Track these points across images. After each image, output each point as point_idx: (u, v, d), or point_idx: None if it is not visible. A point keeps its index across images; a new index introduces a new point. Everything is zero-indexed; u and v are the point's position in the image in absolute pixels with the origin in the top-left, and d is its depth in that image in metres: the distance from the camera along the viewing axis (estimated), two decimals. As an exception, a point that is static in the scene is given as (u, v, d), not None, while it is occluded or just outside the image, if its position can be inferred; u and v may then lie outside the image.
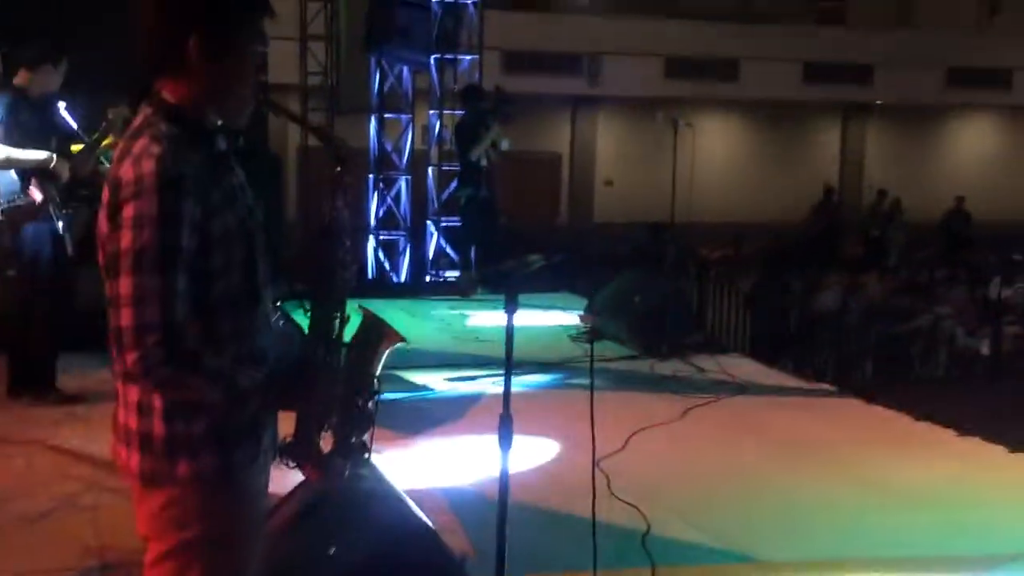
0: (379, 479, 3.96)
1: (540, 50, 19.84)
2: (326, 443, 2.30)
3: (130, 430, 2.15)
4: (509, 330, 2.91)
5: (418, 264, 12.42)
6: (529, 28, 19.69)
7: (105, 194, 2.08)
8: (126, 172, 2.04)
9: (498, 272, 2.70)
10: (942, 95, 22.12)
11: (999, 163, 23.89)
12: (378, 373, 2.35)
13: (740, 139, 22.65)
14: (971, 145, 23.97)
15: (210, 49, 2.12)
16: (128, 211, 2.01)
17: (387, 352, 2.36)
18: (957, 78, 21.90)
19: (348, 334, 2.34)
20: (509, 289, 2.87)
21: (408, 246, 12.42)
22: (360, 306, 2.38)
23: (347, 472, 2.30)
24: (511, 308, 2.90)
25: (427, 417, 6.28)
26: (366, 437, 2.32)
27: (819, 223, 22.39)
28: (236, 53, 2.17)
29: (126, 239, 2.01)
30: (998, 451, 5.85)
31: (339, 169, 2.30)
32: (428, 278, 12.19)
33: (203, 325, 2.09)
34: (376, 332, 2.37)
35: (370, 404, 2.33)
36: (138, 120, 2.15)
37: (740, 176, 22.19)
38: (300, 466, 2.27)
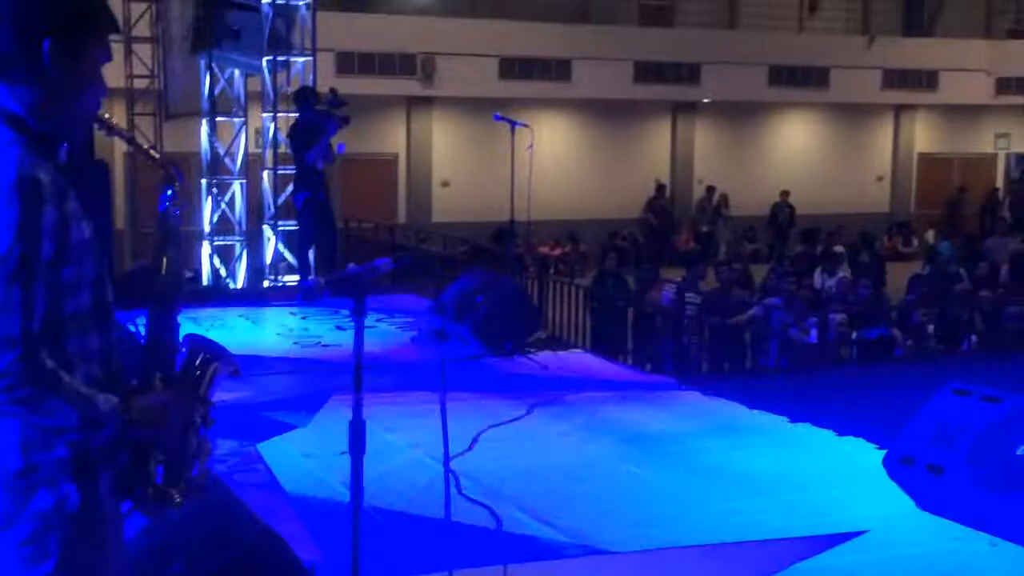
0: (223, 491, 3.88)
1: (374, 51, 19.75)
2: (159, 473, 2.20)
3: None
4: (358, 334, 2.89)
5: (256, 269, 12.21)
6: (362, 29, 19.56)
7: None
8: None
9: (345, 276, 2.66)
10: (765, 93, 22.89)
11: (820, 158, 24.87)
12: (212, 399, 2.26)
13: (575, 138, 22.98)
14: (794, 141, 24.88)
15: (58, 59, 2.06)
16: None
17: (221, 377, 2.27)
18: (778, 77, 22.71)
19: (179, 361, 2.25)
20: (357, 293, 2.85)
21: (245, 251, 12.20)
22: (189, 333, 2.28)
23: (181, 503, 2.20)
24: (359, 312, 2.88)
25: (271, 423, 6.19)
26: (202, 467, 2.23)
27: (653, 219, 22.94)
28: (83, 65, 2.12)
29: None
30: (827, 435, 6.10)
31: (170, 192, 2.24)
32: (267, 283, 12.00)
33: (52, 343, 1.97)
34: (209, 358, 2.26)
35: (205, 432, 2.24)
36: None
37: (576, 175, 22.51)
38: (133, 498, 2.16)
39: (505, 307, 8.08)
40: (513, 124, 9.29)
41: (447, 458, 3.58)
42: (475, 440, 5.79)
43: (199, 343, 2.27)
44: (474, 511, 4.73)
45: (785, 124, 24.77)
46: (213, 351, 2.26)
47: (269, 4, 11.84)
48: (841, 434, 6.05)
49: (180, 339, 2.24)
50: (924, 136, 25.84)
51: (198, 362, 2.24)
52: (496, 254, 14.29)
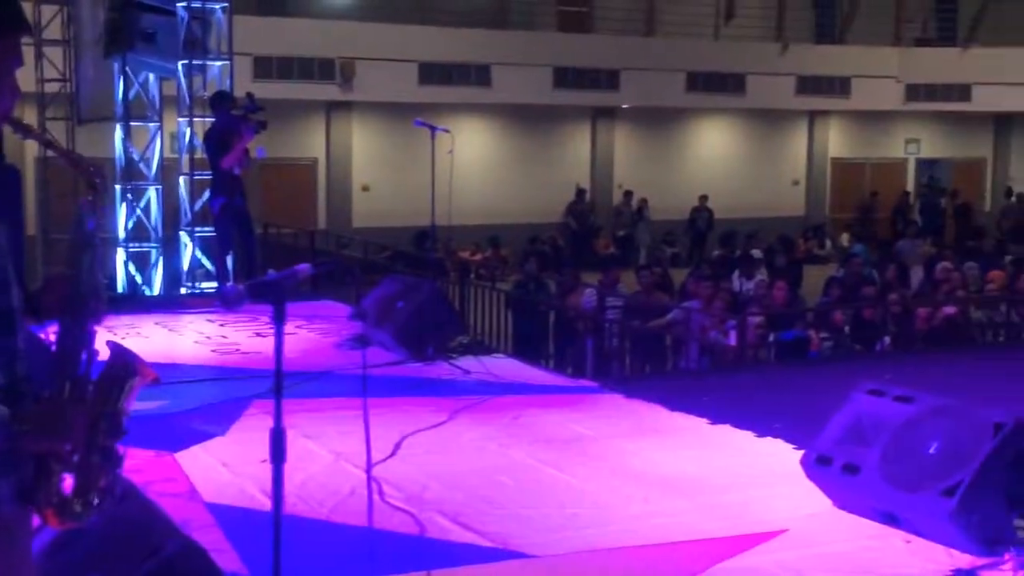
0: (142, 501, 3.82)
1: (292, 55, 19.59)
2: (68, 484, 2.15)
3: None
4: (278, 341, 2.86)
5: (172, 276, 12.02)
6: (280, 33, 19.39)
7: None
8: None
9: (265, 282, 2.62)
10: (683, 99, 23.15)
11: (737, 162, 25.22)
12: (127, 411, 2.21)
13: (495, 143, 23.02)
14: (712, 146, 25.20)
15: None
16: None
17: (137, 389, 2.22)
18: (696, 83, 22.99)
19: (97, 368, 2.20)
20: (277, 299, 2.82)
21: (160, 258, 12.01)
22: (107, 341, 2.24)
23: (88, 517, 2.15)
24: (279, 318, 2.85)
25: (189, 431, 6.10)
26: (112, 479, 2.18)
27: (573, 223, 23.07)
28: None
29: None
30: (747, 436, 6.18)
31: (90, 198, 2.19)
32: (184, 290, 11.82)
33: None
34: (125, 368, 2.22)
35: (117, 444, 2.19)
36: None
37: (496, 179, 22.55)
38: (38, 509, 2.11)
39: (426, 312, 8.06)
40: (433, 129, 9.27)
41: (369, 465, 3.55)
42: (397, 446, 5.76)
43: (117, 352, 2.22)
44: (397, 517, 4.70)
45: (703, 129, 25.08)
46: (131, 360, 2.21)
47: (184, 7, 11.68)
48: (760, 435, 6.13)
49: (95, 348, 2.19)
50: (837, 141, 26.35)
51: (115, 372, 2.19)
52: (417, 258, 14.27)
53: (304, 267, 2.97)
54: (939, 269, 14.54)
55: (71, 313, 2.15)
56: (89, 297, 2.16)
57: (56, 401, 2.09)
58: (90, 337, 2.16)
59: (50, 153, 11.60)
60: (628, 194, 23.68)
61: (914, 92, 24.82)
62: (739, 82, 23.30)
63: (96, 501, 2.14)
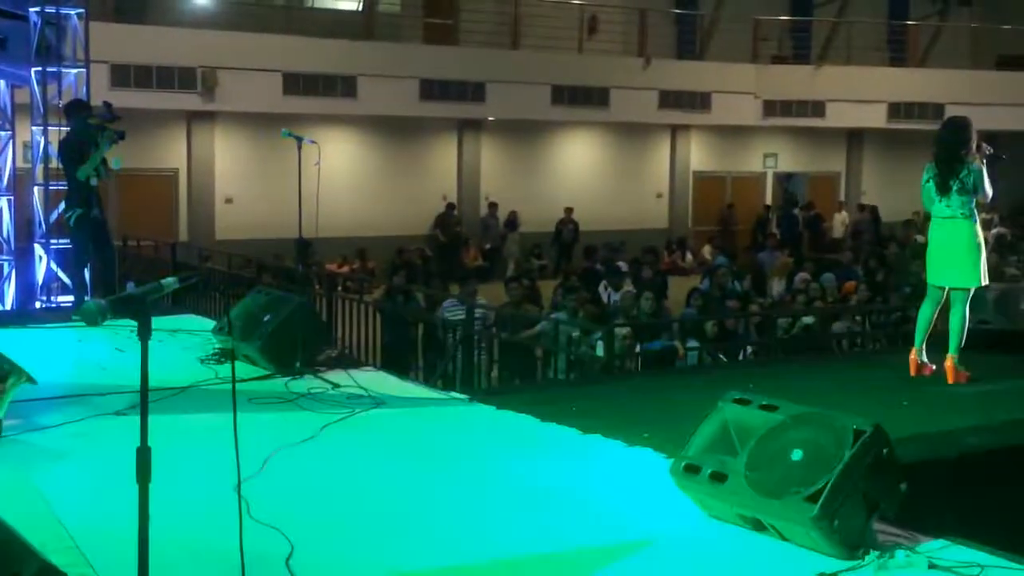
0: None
1: (151, 63, 19.13)
2: None
3: None
4: (144, 356, 2.77)
5: (26, 290, 11.60)
6: (139, 40, 18.92)
7: None
8: None
9: (130, 296, 2.54)
10: (548, 111, 23.37)
11: (602, 175, 25.57)
12: (2, 415, 2.14)
13: (362, 154, 22.87)
14: (577, 159, 25.50)
15: None
16: None
17: (11, 391, 2.16)
18: (560, 96, 23.23)
19: None
20: (142, 315, 2.74)
21: (13, 271, 11.58)
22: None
23: None
24: (145, 333, 2.76)
25: (46, 452, 5.87)
26: None
27: (440, 235, 23.06)
28: None
29: None
30: (617, 446, 6.24)
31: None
32: (39, 304, 11.41)
33: None
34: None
35: None
36: None
37: (363, 191, 22.41)
38: None
39: (293, 325, 7.94)
40: (300, 140, 9.16)
41: (239, 481, 3.47)
42: (265, 462, 5.65)
43: None
44: (266, 534, 4.61)
45: (568, 142, 25.37)
46: (2, 363, 2.13)
47: (38, 12, 11.30)
48: (630, 444, 6.19)
49: None
50: (699, 155, 26.95)
51: None
52: (284, 271, 14.06)
53: (169, 280, 2.89)
54: (798, 280, 14.98)
55: None
56: None
57: None
58: None
59: None
60: (493, 206, 23.79)
61: (771, 108, 25.55)
62: (603, 96, 23.63)
63: None
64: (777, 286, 15.97)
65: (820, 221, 26.74)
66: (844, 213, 27.12)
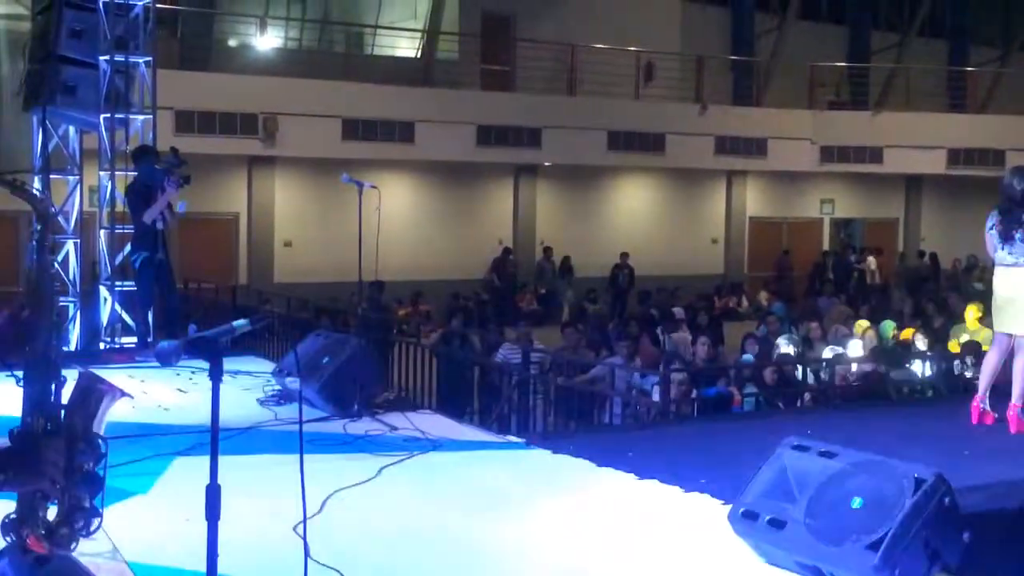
0: (66, 563, 3.73)
1: (214, 110, 19.52)
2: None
3: None
4: (215, 396, 2.85)
5: (90, 331, 11.82)
6: (203, 88, 19.33)
7: None
8: None
9: (203, 338, 2.62)
10: (604, 157, 23.47)
11: (657, 220, 25.59)
12: (102, 432, 2.23)
13: (419, 199, 23.09)
14: (632, 204, 25.54)
15: None
16: None
17: (109, 408, 2.24)
18: (616, 141, 23.33)
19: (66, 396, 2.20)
20: (215, 355, 2.81)
21: (78, 312, 11.81)
22: (79, 368, 2.25)
23: (77, 539, 2.16)
24: (216, 375, 2.84)
25: (110, 490, 5.96)
26: (96, 500, 2.20)
27: (496, 280, 23.16)
28: None
29: None
30: (675, 492, 6.22)
31: (40, 227, 2.19)
32: (102, 345, 11.62)
33: None
34: (95, 390, 2.24)
35: (98, 465, 2.20)
36: None
37: (420, 235, 22.60)
38: (25, 539, 2.11)
39: (352, 367, 8.02)
40: (361, 185, 9.29)
41: (305, 521, 3.52)
42: (324, 503, 5.70)
43: (85, 376, 2.24)
44: (325, 575, 4.65)
45: (624, 188, 25.43)
46: (99, 383, 2.22)
47: (107, 61, 11.60)
48: (688, 490, 6.17)
49: (62, 377, 2.19)
50: (755, 200, 26.89)
51: (85, 396, 2.20)
52: (341, 312, 14.18)
53: (241, 323, 2.96)
54: (856, 326, 14.84)
55: (34, 345, 2.15)
56: (46, 331, 2.16)
57: (28, 438, 2.08)
58: (55, 367, 2.16)
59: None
60: (548, 250, 23.87)
61: (828, 154, 25.47)
62: (659, 141, 23.70)
63: (80, 524, 2.15)
64: (835, 333, 15.82)
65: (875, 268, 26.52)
66: (872, 259, 26.79)
